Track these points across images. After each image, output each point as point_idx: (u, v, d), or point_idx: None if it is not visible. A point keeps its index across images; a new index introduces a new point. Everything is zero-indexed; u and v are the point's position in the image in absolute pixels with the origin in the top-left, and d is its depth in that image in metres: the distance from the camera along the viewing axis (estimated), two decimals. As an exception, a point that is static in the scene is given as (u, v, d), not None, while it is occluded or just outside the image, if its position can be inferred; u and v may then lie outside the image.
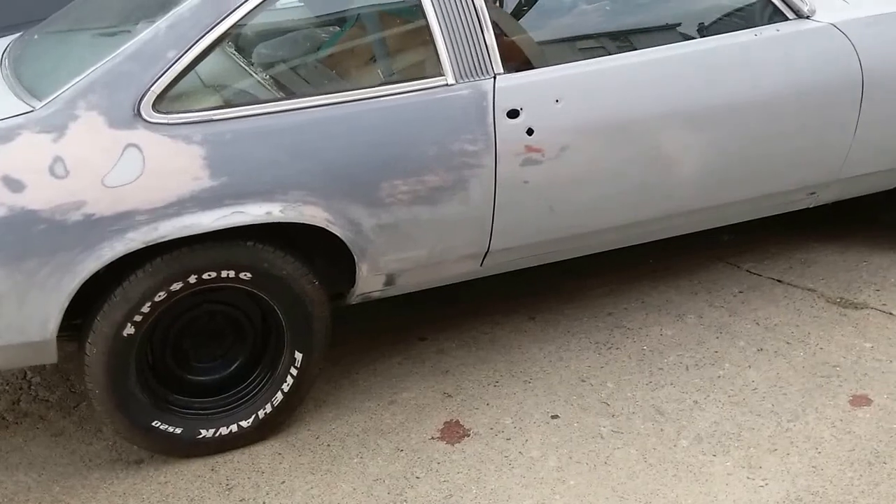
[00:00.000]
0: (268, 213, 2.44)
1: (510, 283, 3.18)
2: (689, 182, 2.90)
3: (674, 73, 2.82)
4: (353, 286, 2.73)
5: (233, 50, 2.72)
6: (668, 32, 3.03)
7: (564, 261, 3.12)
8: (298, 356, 2.64)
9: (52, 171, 2.30)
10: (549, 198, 2.76)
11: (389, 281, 2.75)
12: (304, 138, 2.49)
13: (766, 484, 2.37)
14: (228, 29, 2.45)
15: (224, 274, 2.47)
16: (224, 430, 2.62)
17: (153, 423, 2.54)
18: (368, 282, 2.71)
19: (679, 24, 3.07)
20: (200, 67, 2.46)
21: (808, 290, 3.30)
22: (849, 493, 2.31)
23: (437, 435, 2.70)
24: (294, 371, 2.65)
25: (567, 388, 2.86)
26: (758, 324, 3.10)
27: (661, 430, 2.62)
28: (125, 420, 2.52)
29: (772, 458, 2.46)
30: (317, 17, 2.95)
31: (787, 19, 2.95)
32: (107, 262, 2.35)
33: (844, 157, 3.08)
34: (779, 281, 3.38)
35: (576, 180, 2.76)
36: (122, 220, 2.33)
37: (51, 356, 2.47)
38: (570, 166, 2.72)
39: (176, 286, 2.43)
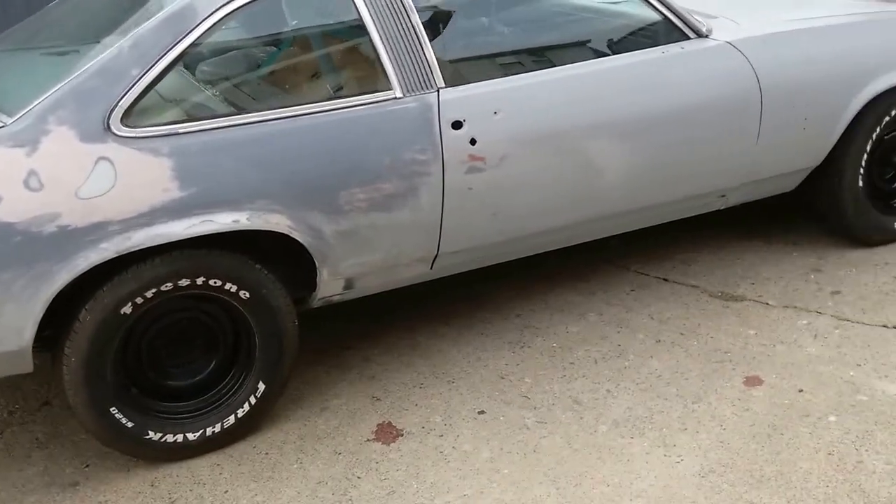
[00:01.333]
0: (235, 221, 2.55)
1: (425, 290, 3.32)
2: (614, 187, 3.14)
3: (595, 86, 3.08)
4: (314, 291, 2.82)
5: (194, 66, 2.82)
6: (586, 49, 3.28)
7: (469, 272, 3.29)
8: (261, 386, 2.74)
9: (26, 184, 2.36)
10: (492, 203, 2.95)
11: (348, 285, 2.89)
12: (267, 149, 2.62)
13: (682, 460, 2.60)
14: (187, 48, 2.57)
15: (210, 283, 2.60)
16: (170, 438, 2.64)
17: (111, 409, 2.56)
18: (329, 286, 2.83)
19: (594, 42, 3.33)
20: (165, 83, 2.57)
21: (692, 286, 3.59)
22: (755, 463, 2.57)
23: (372, 437, 2.80)
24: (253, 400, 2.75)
25: (489, 386, 3.02)
26: (652, 318, 3.37)
27: (581, 417, 2.82)
28: (89, 401, 2.53)
29: (683, 436, 2.70)
30: (271, 35, 3.06)
31: (688, 38, 3.25)
32: (81, 272, 2.41)
33: (750, 162, 3.38)
34: (665, 279, 3.67)
35: (515, 187, 2.96)
36: (96, 231, 2.40)
37: (26, 366, 2.51)
38: (509, 174, 2.92)
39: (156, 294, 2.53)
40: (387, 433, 2.82)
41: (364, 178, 2.71)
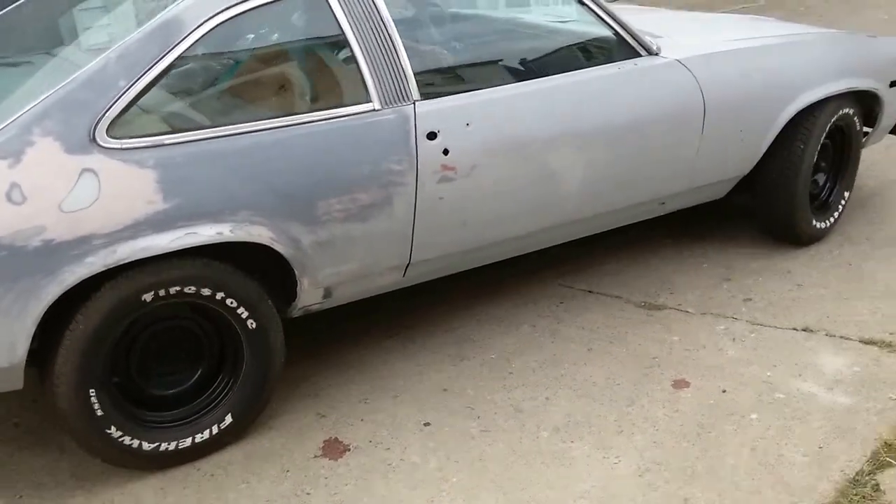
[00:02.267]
0: (219, 234, 2.59)
1: (365, 305, 3.39)
2: (574, 194, 3.33)
3: (557, 100, 3.23)
4: (294, 301, 2.91)
5: (181, 78, 2.80)
6: (548, 64, 3.39)
7: (407, 287, 3.40)
8: (228, 419, 2.81)
9: (9, 198, 2.33)
10: (462, 212, 3.08)
11: (327, 294, 2.96)
12: (248, 161, 2.65)
13: (620, 461, 2.74)
14: (174, 60, 2.60)
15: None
16: (131, 442, 2.66)
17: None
18: (309, 295, 2.91)
19: (555, 58, 3.48)
20: (151, 95, 2.58)
21: (616, 297, 3.77)
22: (686, 461, 2.73)
23: (320, 453, 2.85)
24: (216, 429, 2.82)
25: (433, 398, 3.11)
26: (582, 328, 3.52)
27: (523, 425, 2.94)
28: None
29: (620, 438, 2.85)
30: (256, 48, 3.11)
31: (640, 55, 3.46)
32: (69, 287, 2.40)
33: (691, 171, 3.63)
34: (590, 291, 3.83)
35: (483, 196, 3.09)
36: (81, 245, 2.40)
37: (18, 382, 2.49)
38: (478, 183, 3.06)
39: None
40: (334, 449, 2.88)
41: (341, 188, 2.78)
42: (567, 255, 4.10)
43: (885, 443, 2.75)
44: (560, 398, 3.07)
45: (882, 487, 2.56)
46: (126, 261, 2.46)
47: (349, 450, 2.86)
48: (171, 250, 2.51)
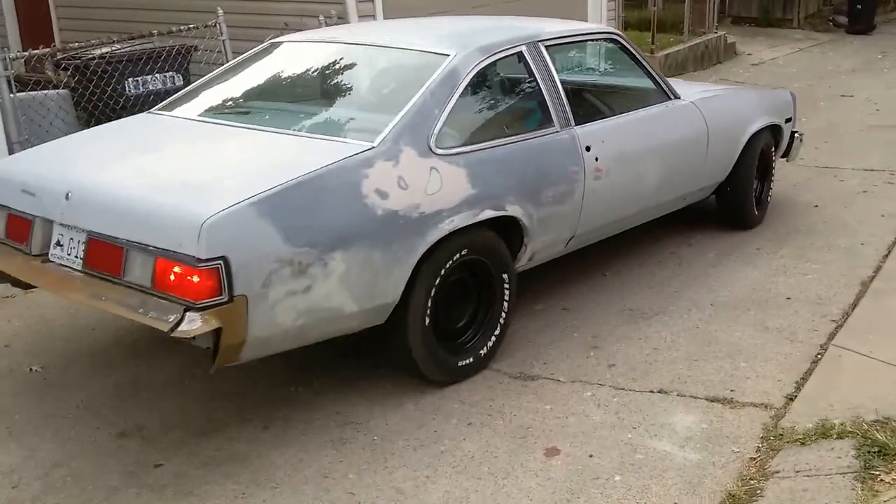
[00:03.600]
0: (500, 211, 3.88)
1: (241, 396, 3.52)
2: (653, 187, 4.86)
3: (641, 125, 4.81)
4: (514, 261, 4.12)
5: (462, 108, 3.97)
6: (632, 103, 5.01)
7: (288, 371, 3.66)
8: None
9: (399, 185, 3.54)
10: (602, 199, 4.46)
11: (530, 258, 4.25)
12: (508, 162, 4.00)
13: (497, 531, 2.99)
14: (458, 96, 3.90)
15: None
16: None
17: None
18: (523, 259, 4.19)
19: (633, 99, 5.10)
20: (451, 119, 3.83)
21: (495, 370, 4.01)
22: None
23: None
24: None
25: (313, 486, 3.23)
26: (463, 402, 3.75)
27: (405, 506, 3.12)
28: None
29: (497, 510, 3.09)
30: (497, 87, 4.49)
31: (671, 99, 5.10)
32: (430, 244, 3.58)
33: (700, 175, 5.29)
34: None
35: (613, 188, 4.51)
36: (436, 216, 3.62)
37: (384, 317, 3.59)
38: (611, 180, 4.48)
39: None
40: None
41: (551, 182, 4.16)
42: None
43: (730, 494, 3.07)
44: (440, 476, 3.27)
45: (728, 536, 2.88)
46: (458, 227, 3.67)
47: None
48: (478, 220, 3.76)
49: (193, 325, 2.99)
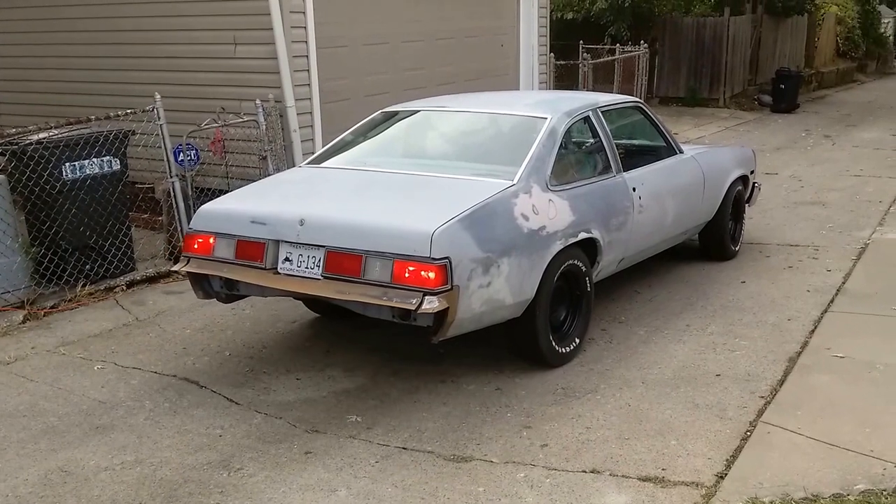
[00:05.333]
0: (588, 233, 5.06)
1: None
2: (671, 221, 6.13)
3: (662, 173, 6.10)
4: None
5: (560, 155, 5.20)
6: (653, 157, 6.26)
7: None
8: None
9: (534, 211, 4.73)
10: (642, 229, 5.70)
11: (598, 273, 5.34)
12: (590, 197, 5.21)
13: None
14: (559, 146, 5.18)
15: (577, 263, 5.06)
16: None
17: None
18: (594, 271, 5.25)
19: (653, 154, 6.36)
20: (556, 163, 5.07)
21: (429, 452, 3.99)
22: None
23: None
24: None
25: None
26: (396, 486, 3.69)
27: None
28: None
29: None
30: (581, 136, 5.80)
31: (677, 154, 6.44)
32: (551, 256, 4.73)
33: (698, 213, 6.58)
34: (404, 448, 4.03)
35: (648, 221, 5.78)
36: (555, 235, 4.80)
37: (521, 311, 4.64)
38: (648, 214, 5.75)
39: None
40: None
41: (614, 213, 5.39)
42: (387, 411, 4.38)
43: (661, 576, 3.10)
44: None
45: None
46: (567, 244, 4.83)
47: None
48: (577, 240, 4.94)
49: (432, 304, 4.12)
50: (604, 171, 5.51)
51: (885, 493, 3.51)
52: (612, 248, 5.34)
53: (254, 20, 7.79)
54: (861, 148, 12.87)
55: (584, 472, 3.80)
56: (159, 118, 6.92)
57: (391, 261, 4.23)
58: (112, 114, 6.76)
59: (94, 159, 6.52)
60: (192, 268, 4.86)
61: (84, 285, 6.40)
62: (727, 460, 3.86)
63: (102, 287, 6.49)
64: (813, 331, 5.40)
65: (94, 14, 8.82)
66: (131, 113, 6.85)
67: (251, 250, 4.68)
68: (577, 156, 5.69)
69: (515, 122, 5.56)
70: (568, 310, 5.10)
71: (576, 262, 4.99)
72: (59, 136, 6.39)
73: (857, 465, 3.75)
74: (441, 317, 4.20)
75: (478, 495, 3.65)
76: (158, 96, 6.94)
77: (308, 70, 8.07)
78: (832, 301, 5.95)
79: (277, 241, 4.60)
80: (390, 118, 5.98)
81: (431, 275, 4.14)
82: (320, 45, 8.15)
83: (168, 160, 7.02)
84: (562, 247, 4.79)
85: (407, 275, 4.19)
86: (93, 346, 5.49)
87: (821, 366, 4.82)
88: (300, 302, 5.69)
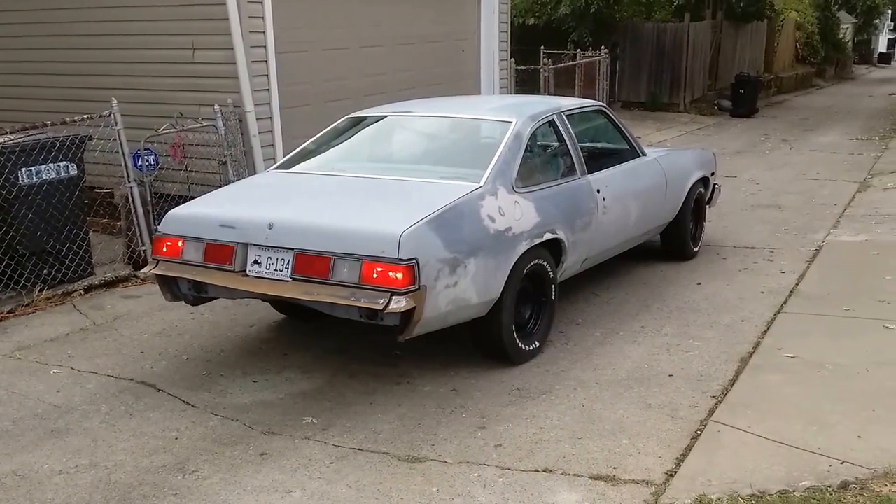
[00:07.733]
0: (554, 234, 5.17)
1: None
2: (633, 222, 6.24)
3: (624, 176, 6.20)
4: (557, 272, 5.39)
5: (525, 159, 5.28)
6: (616, 160, 6.35)
7: None
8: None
9: (500, 212, 4.81)
10: (605, 229, 5.78)
11: (562, 273, 5.42)
12: (554, 199, 5.30)
13: None
14: (525, 150, 5.27)
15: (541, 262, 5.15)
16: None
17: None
18: (559, 272, 5.33)
19: (616, 157, 6.44)
20: (521, 167, 5.15)
21: (384, 453, 4.01)
22: None
23: None
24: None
25: None
26: (350, 487, 3.70)
27: None
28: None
29: None
30: (542, 144, 5.87)
31: (640, 156, 6.57)
32: (517, 257, 4.82)
33: (660, 214, 6.72)
34: (359, 449, 4.05)
35: (611, 221, 5.86)
36: (521, 236, 4.89)
37: (488, 310, 4.73)
38: (610, 216, 5.82)
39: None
40: None
41: (579, 214, 5.49)
42: (343, 412, 4.39)
43: (609, 572, 3.15)
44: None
45: None
46: (532, 245, 4.93)
47: None
48: (542, 241, 5.04)
49: (399, 304, 4.16)
50: (568, 173, 5.63)
51: (829, 489, 3.58)
52: (577, 248, 5.46)
53: (212, 25, 7.77)
54: (818, 152, 13.10)
55: (537, 471, 3.84)
56: (116, 123, 6.89)
57: (359, 262, 4.30)
58: (69, 119, 6.71)
59: (51, 164, 6.48)
60: (160, 270, 4.89)
61: (41, 290, 6.36)
62: (677, 459, 3.92)
63: (60, 292, 6.44)
64: (765, 331, 5.49)
65: (50, 19, 8.76)
66: (88, 118, 6.80)
67: (220, 253, 4.71)
68: (542, 158, 5.80)
69: (481, 126, 5.72)
70: (532, 309, 5.20)
71: (541, 261, 5.09)
72: (15, 140, 6.35)
73: (803, 462, 3.82)
74: (408, 316, 4.26)
75: (431, 495, 3.68)
76: (115, 101, 6.90)
77: (267, 75, 8.07)
78: (785, 302, 6.06)
79: (246, 245, 4.64)
80: (357, 123, 6.05)
81: (399, 275, 4.21)
82: (279, 50, 8.15)
83: (126, 165, 6.98)
84: (527, 247, 4.89)
85: (375, 275, 4.25)
86: (49, 350, 5.45)
87: (772, 366, 4.91)
88: (259, 306, 5.70)
